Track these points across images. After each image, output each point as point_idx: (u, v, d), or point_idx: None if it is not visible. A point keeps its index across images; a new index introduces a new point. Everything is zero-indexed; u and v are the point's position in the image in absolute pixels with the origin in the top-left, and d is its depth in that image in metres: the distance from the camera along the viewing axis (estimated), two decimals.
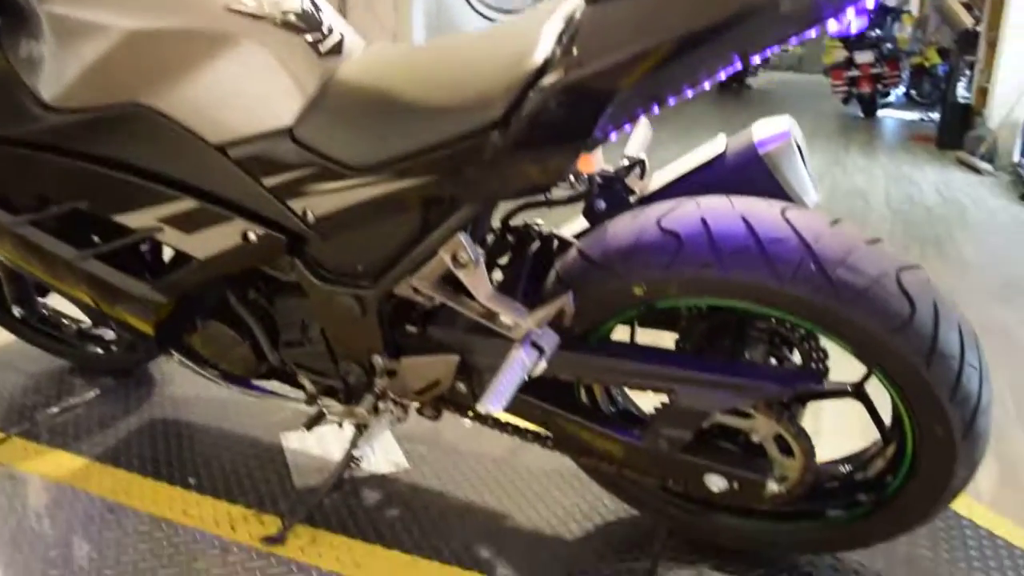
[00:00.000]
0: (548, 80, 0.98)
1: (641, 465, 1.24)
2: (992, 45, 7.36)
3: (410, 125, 1.05)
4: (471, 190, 1.07)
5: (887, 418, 1.25)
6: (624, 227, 1.15)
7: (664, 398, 1.19)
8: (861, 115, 9.76)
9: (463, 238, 1.11)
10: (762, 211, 1.08)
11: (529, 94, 0.99)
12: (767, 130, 1.28)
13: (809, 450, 1.16)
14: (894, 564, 1.41)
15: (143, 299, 1.35)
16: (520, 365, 1.04)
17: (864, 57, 10.54)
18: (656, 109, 1.05)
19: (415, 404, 1.40)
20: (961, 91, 8.14)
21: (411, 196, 1.09)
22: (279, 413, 1.94)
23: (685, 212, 1.11)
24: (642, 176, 1.35)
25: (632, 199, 1.33)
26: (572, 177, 1.37)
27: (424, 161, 1.06)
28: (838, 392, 1.24)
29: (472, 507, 1.58)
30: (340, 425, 1.78)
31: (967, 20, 10.62)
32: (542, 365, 1.09)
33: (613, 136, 1.08)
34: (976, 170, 6.59)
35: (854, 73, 10.38)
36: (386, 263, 1.20)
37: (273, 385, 1.56)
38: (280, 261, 1.27)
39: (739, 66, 0.97)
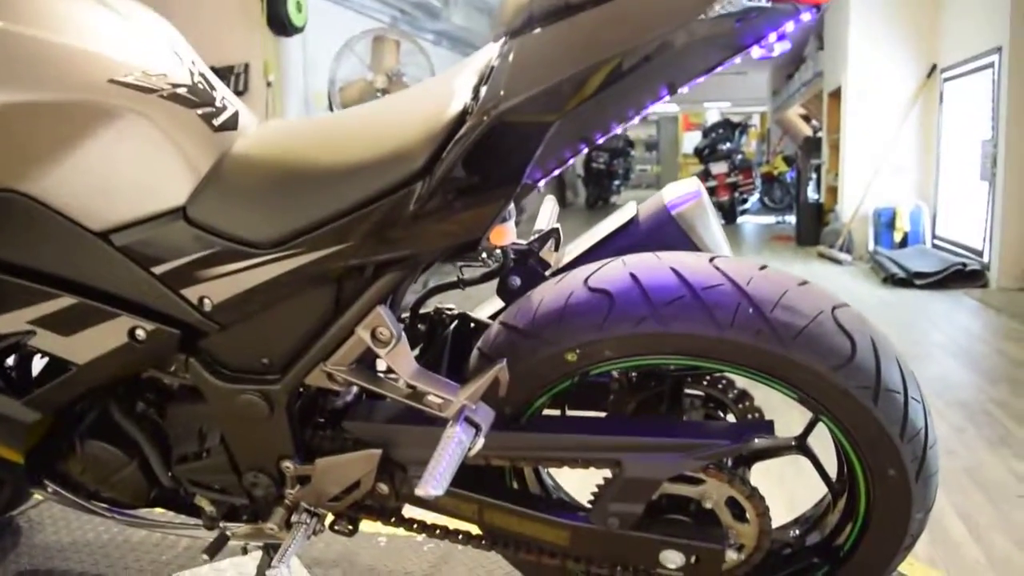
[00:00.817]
0: (472, 122, 0.93)
1: (590, 550, 1.15)
2: (834, 147, 8.05)
3: (321, 191, 0.98)
4: (392, 254, 0.99)
5: (833, 472, 1.22)
6: (550, 293, 1.10)
7: (605, 473, 1.12)
8: (723, 222, 10.46)
9: (383, 312, 1.03)
10: (690, 262, 1.06)
11: (452, 140, 0.94)
12: (677, 191, 1.28)
13: (764, 511, 1.11)
14: None
15: (10, 420, 1.17)
16: (457, 442, 0.95)
17: (719, 168, 11.38)
18: (584, 149, 1.03)
19: (329, 516, 1.27)
20: (811, 192, 8.84)
21: (324, 269, 1.01)
22: (171, 549, 1.72)
23: (612, 270, 1.08)
24: (556, 247, 1.32)
25: (547, 273, 1.30)
26: (484, 254, 1.33)
27: (338, 228, 0.98)
28: (782, 447, 1.20)
29: None
30: (245, 550, 1.60)
31: (806, 129, 11.69)
32: (480, 443, 1.00)
33: (541, 184, 1.05)
34: (837, 261, 7.07)
35: (712, 183, 11.16)
36: (296, 351, 1.09)
37: (164, 515, 1.38)
38: (173, 361, 1.14)
39: (666, 97, 0.96)
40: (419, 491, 0.89)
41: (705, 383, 1.24)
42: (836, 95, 7.87)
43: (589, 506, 1.15)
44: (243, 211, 1.02)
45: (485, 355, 1.12)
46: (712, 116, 17.60)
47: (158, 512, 1.40)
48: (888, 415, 1.02)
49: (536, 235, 1.33)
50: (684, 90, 0.97)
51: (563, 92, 0.90)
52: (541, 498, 1.18)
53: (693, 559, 1.10)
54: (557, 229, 1.30)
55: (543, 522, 1.14)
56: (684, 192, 1.28)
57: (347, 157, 0.99)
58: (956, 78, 6.29)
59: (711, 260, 1.07)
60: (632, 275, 1.05)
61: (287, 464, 1.18)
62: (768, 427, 1.06)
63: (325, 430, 1.19)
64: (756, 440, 1.09)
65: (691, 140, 20.31)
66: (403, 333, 1.04)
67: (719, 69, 0.96)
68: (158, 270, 1.06)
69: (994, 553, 1.82)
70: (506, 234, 1.23)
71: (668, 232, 1.25)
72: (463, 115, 0.95)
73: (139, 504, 1.33)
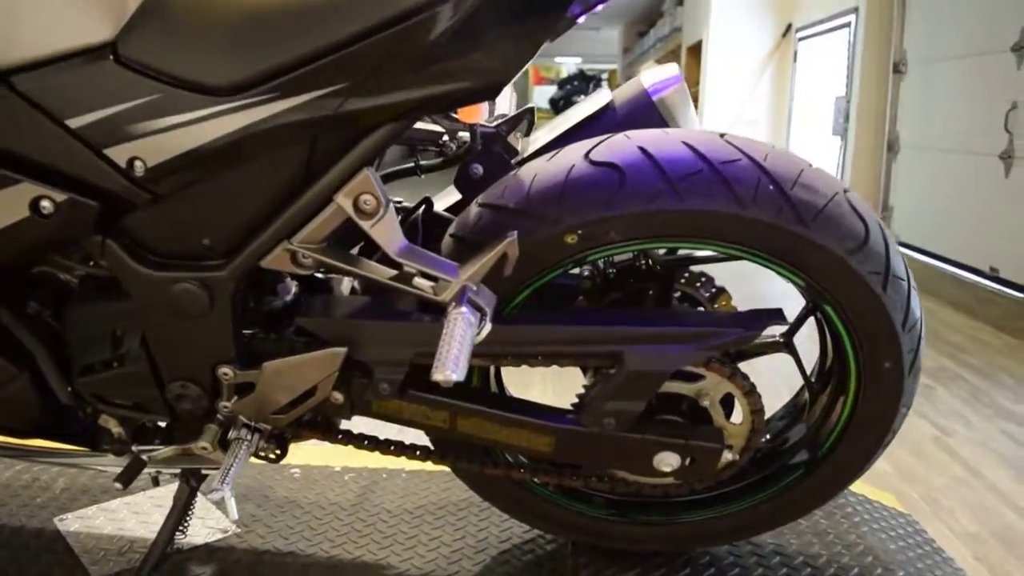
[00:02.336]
0: None
1: (575, 455, 1.06)
2: (694, 99, 8.30)
3: (305, 19, 0.81)
4: (395, 100, 0.84)
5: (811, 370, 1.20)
6: (544, 169, 0.99)
7: (562, 380, 1.03)
8: None
9: (371, 176, 0.87)
10: (701, 136, 0.98)
11: None
12: (656, 76, 1.20)
13: (759, 408, 1.06)
14: (804, 538, 1.35)
15: None
16: (467, 323, 0.83)
17: None
18: None
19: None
20: None
21: (300, 121, 0.84)
22: (46, 491, 1.49)
23: (617, 144, 0.98)
24: (528, 131, 1.21)
25: (514, 161, 1.18)
26: (446, 136, 1.20)
27: (327, 66, 0.81)
28: (768, 345, 1.15)
29: (339, 565, 1.28)
30: (156, 481, 1.40)
31: None
32: (487, 328, 0.88)
33: (582, 18, 0.93)
34: None
35: None
36: (249, 227, 0.92)
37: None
38: (86, 244, 0.94)
39: None
40: (437, 375, 0.77)
41: (683, 280, 1.17)
42: (695, 50, 8.10)
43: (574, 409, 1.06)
44: (196, 46, 0.83)
45: (464, 240, 1.00)
46: (567, 71, 17.77)
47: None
48: (894, 303, 1.00)
49: (500, 118, 1.21)
50: None
51: None
52: (521, 402, 1.08)
53: (688, 461, 1.04)
54: (532, 109, 1.19)
55: (526, 427, 1.04)
56: (664, 76, 1.20)
57: None
58: (810, 37, 6.61)
59: (722, 136, 0.99)
60: (642, 148, 0.96)
61: (225, 371, 1.01)
62: (780, 315, 1.01)
63: (276, 327, 1.03)
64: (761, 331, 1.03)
65: (541, 94, 20.44)
66: (391, 202, 0.90)
67: None
68: (75, 123, 0.86)
69: (901, 467, 1.91)
70: (478, 111, 1.11)
71: (647, 119, 1.17)
72: None
73: (24, 430, 1.12)
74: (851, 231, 0.96)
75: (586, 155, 0.98)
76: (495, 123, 1.20)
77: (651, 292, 1.14)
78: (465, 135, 1.16)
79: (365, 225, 0.88)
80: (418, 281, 0.91)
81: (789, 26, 7.11)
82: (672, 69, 1.21)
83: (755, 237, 0.95)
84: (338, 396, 1.05)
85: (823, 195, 0.96)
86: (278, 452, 1.15)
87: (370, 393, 1.03)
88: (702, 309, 1.15)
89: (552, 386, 2.18)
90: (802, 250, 0.96)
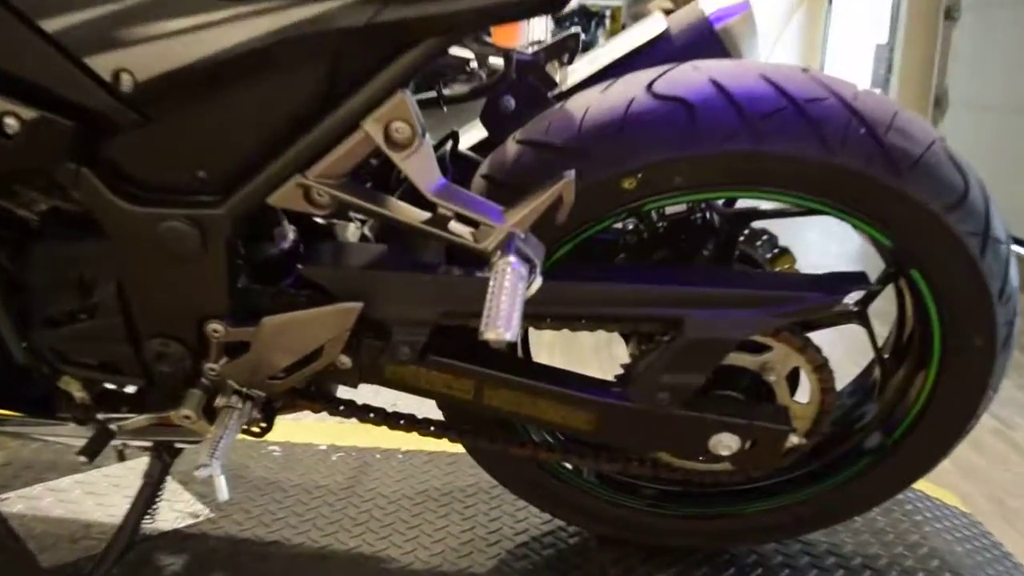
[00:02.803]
0: None
1: (619, 435, 1.06)
2: None
3: None
4: (435, 13, 0.81)
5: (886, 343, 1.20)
6: (598, 101, 0.98)
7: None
8: None
9: (408, 99, 0.85)
10: (781, 70, 0.96)
11: None
12: (720, 2, 1.18)
13: (831, 387, 1.06)
14: (861, 537, 1.36)
15: None
16: (517, 275, 0.81)
17: None
18: None
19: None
20: None
21: (325, 31, 0.81)
22: None
23: (683, 75, 0.96)
24: (571, 59, 1.19)
25: (552, 95, 1.17)
26: (475, 62, 1.18)
27: None
28: (842, 315, 1.15)
29: (331, 556, 1.28)
30: (122, 455, 1.39)
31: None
32: (538, 282, 0.87)
33: None
34: None
35: None
36: (257, 157, 0.89)
37: None
38: (55, 172, 0.91)
39: None
40: (488, 334, 0.75)
41: (742, 239, 1.16)
42: None
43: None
44: None
45: (500, 182, 0.99)
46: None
47: None
48: (992, 270, 1.00)
49: (537, 44, 1.19)
50: None
51: None
52: (558, 371, 1.07)
53: (749, 444, 1.04)
54: (577, 36, 1.17)
55: (565, 401, 1.03)
56: (729, 2, 1.18)
57: None
58: None
59: (804, 71, 0.98)
60: (714, 81, 0.95)
61: (215, 327, 0.99)
62: (864, 279, 1.00)
63: (279, 276, 1.01)
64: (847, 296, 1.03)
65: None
66: (427, 133, 0.88)
67: None
68: (49, 25, 0.83)
69: (959, 462, 1.93)
70: (516, 33, 1.09)
71: (710, 52, 1.15)
72: None
73: None
74: (949, 185, 0.96)
75: (648, 87, 0.96)
76: (532, 50, 1.18)
77: (707, 251, 1.13)
78: (498, 61, 1.14)
79: (397, 157, 0.86)
80: (455, 226, 0.89)
81: None
82: None
83: (841, 187, 0.94)
84: (345, 360, 1.03)
85: (920, 143, 0.95)
86: (263, 425, 1.14)
87: (385, 357, 1.02)
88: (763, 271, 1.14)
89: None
90: (893, 204, 0.95)
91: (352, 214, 1.03)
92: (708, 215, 1.13)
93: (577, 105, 0.99)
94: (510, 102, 1.14)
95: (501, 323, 0.76)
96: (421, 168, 0.87)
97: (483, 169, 1.02)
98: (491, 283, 0.80)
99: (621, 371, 1.06)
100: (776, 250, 1.16)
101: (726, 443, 1.03)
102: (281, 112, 0.88)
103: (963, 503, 1.59)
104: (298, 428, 1.64)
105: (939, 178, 0.95)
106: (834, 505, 1.20)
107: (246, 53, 0.83)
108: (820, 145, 0.92)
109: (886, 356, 1.19)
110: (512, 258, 0.83)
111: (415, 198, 0.90)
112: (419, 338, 0.99)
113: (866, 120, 0.93)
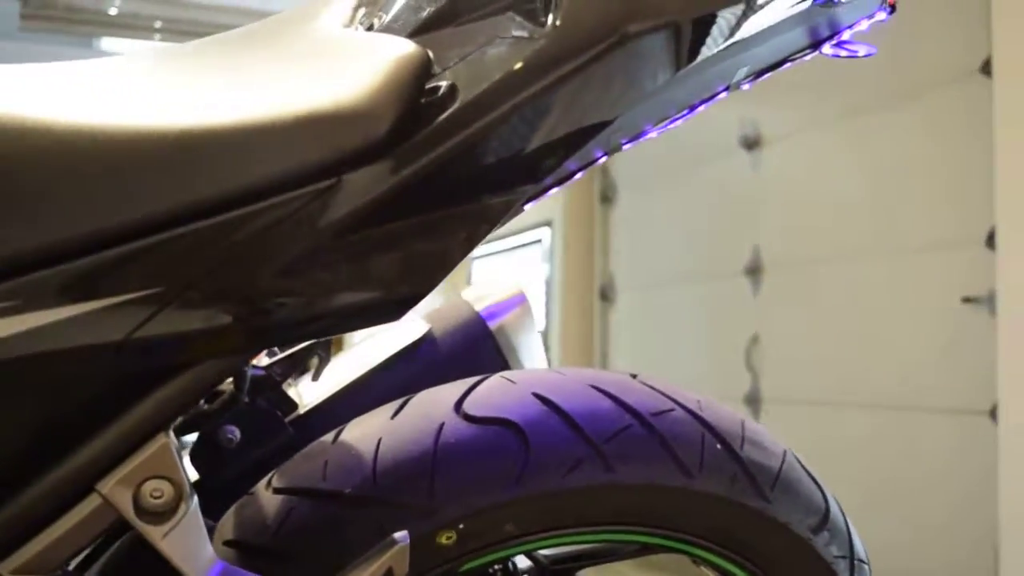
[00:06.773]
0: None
1: None
2: None
3: (126, 176, 0.54)
4: (242, 320, 0.57)
5: None
6: (389, 433, 0.76)
7: None
8: None
9: (171, 445, 0.58)
10: (608, 377, 0.83)
11: (423, 93, 0.58)
12: (491, 296, 1.06)
13: None
14: None
15: None
16: None
17: None
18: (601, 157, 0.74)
19: None
20: None
21: (60, 348, 0.53)
22: None
23: (501, 390, 0.79)
24: (317, 374, 0.98)
25: (288, 420, 0.94)
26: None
27: (122, 259, 0.54)
28: None
29: None
30: None
31: None
32: None
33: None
34: None
35: None
36: None
37: None
38: None
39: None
40: None
41: None
42: None
43: None
44: None
45: (260, 549, 0.73)
46: None
47: None
48: None
49: (271, 353, 0.97)
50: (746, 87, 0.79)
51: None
52: None
53: None
54: (328, 344, 0.96)
55: None
56: (503, 296, 1.06)
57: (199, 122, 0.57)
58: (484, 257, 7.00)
59: (633, 376, 0.85)
60: (539, 396, 0.78)
61: None
62: None
63: None
64: None
65: None
66: (195, 492, 0.61)
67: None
68: None
69: None
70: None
71: (483, 353, 1.01)
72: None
73: None
74: (812, 502, 0.84)
75: (457, 407, 0.77)
76: (265, 363, 0.96)
77: None
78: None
79: (152, 534, 0.58)
80: None
81: None
82: (512, 287, 1.08)
83: (703, 518, 0.80)
84: None
85: (774, 455, 0.84)
86: None
87: None
88: None
89: None
90: (765, 532, 0.82)
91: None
92: (513, 565, 0.92)
93: (361, 437, 0.77)
94: (234, 433, 0.90)
95: None
96: (186, 549, 0.60)
97: (228, 533, 0.76)
98: None
99: None
100: None
101: None
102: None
103: None
104: None
105: (800, 495, 0.84)
106: None
107: None
108: (677, 469, 0.78)
109: None
110: None
111: None
112: None
113: (718, 432, 0.81)
